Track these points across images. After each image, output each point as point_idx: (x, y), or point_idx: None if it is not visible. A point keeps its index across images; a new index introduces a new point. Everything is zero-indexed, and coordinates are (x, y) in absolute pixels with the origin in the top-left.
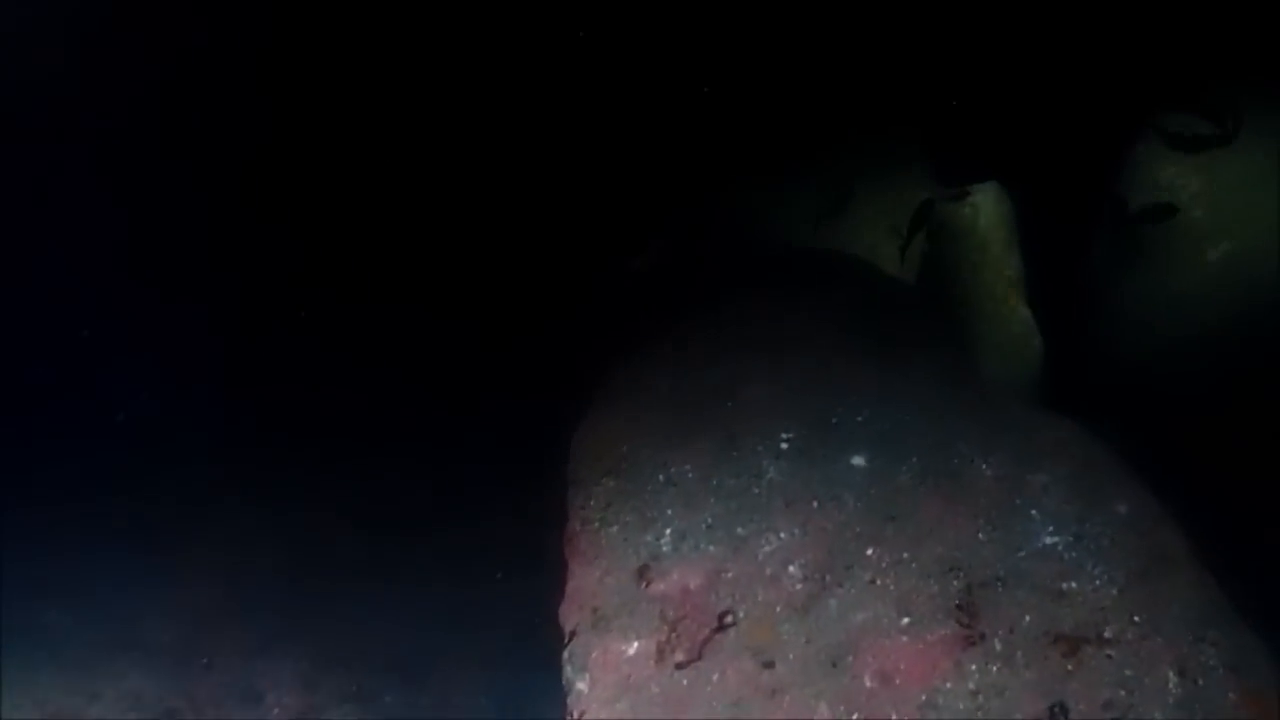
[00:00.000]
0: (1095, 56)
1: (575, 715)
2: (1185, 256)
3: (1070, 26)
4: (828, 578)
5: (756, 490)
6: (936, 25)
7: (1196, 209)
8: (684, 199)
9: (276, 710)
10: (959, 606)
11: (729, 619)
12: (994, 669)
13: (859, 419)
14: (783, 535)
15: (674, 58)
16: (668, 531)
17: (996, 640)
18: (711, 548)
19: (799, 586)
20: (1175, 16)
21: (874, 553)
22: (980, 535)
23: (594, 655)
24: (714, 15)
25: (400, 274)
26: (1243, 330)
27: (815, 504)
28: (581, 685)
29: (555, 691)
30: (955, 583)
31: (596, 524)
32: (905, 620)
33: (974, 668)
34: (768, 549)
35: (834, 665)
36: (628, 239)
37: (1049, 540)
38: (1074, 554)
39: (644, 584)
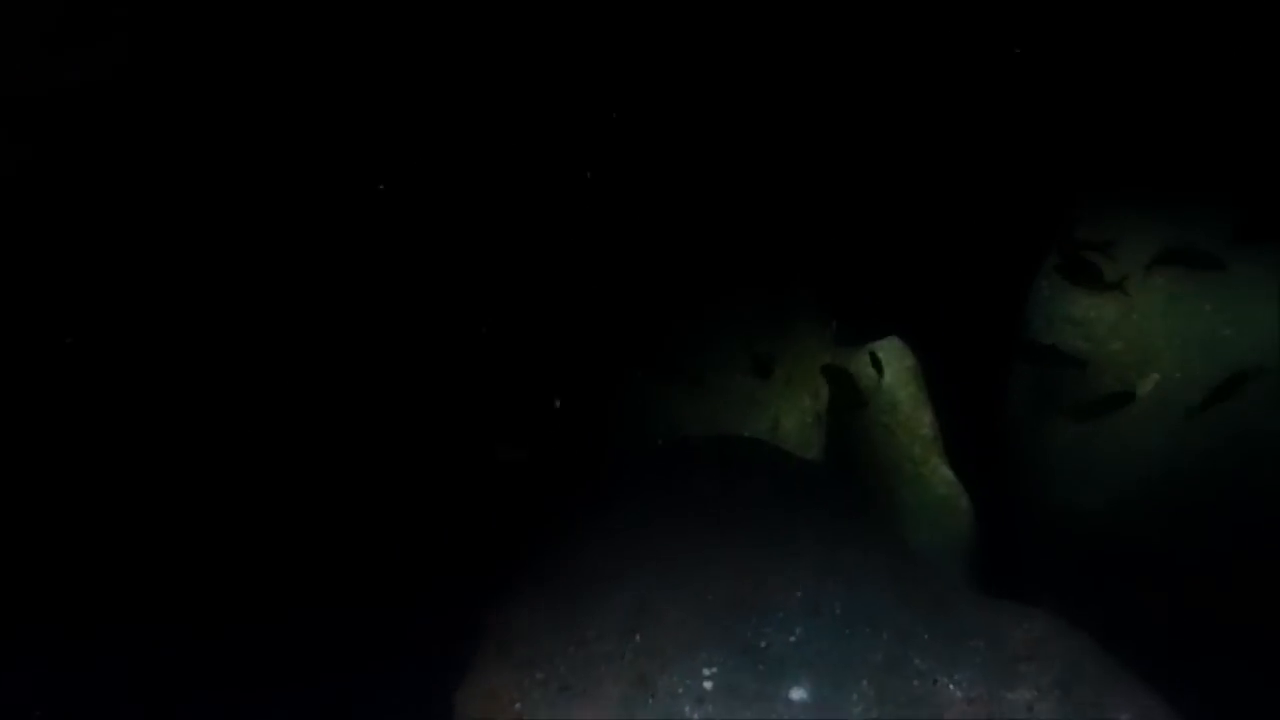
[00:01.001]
0: (986, 197)
1: None
2: (1112, 395)
3: (957, 170)
4: None
5: None
6: (821, 177)
7: (1115, 341)
8: (565, 385)
9: None
10: None
11: None
12: None
13: (791, 639)
14: None
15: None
16: None
17: None
18: None
19: None
20: (1061, 149)
21: None
22: None
23: None
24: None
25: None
26: (1196, 471)
27: None
28: None
29: None
30: None
31: None
32: None
33: None
34: None
35: None
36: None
37: None
38: None
39: None
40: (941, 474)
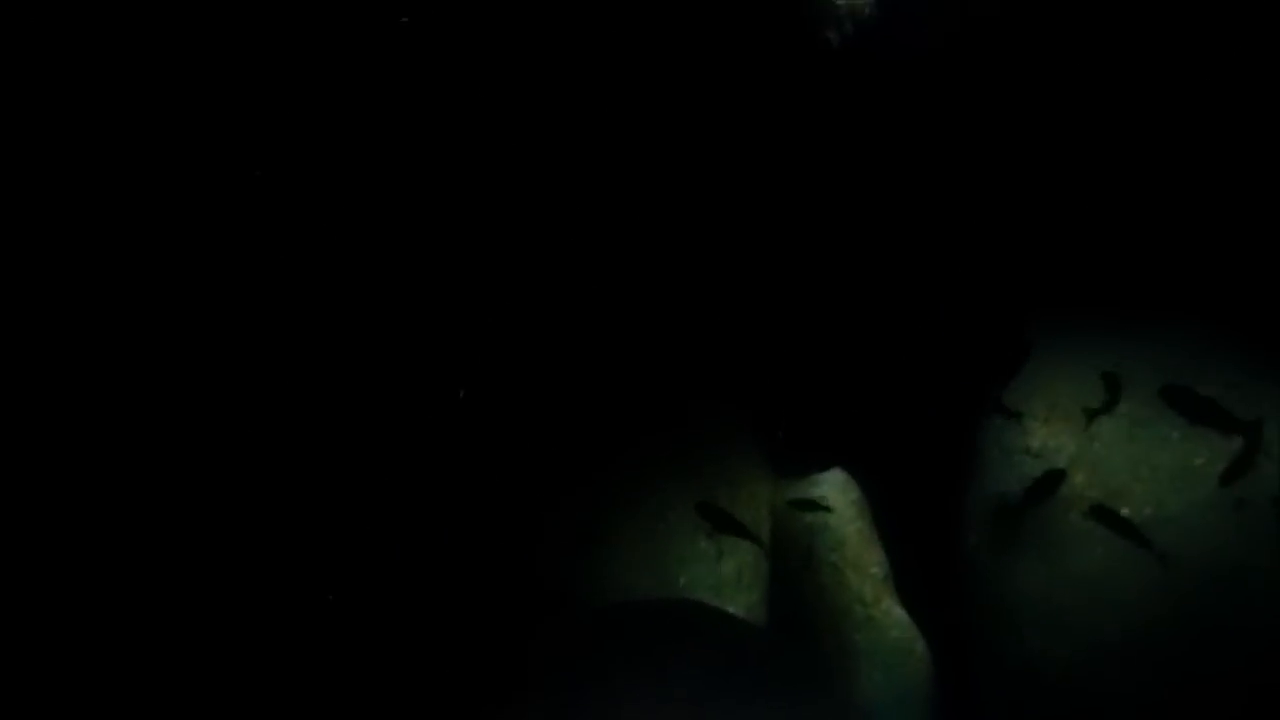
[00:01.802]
0: (936, 316)
1: None
2: (1080, 532)
3: (903, 289)
4: None
5: None
6: (758, 301)
7: (1077, 474)
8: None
9: None
10: None
11: None
12: None
13: None
14: None
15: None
16: None
17: None
18: None
19: None
20: (1014, 267)
21: None
22: None
23: None
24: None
25: None
26: (1178, 617)
27: None
28: None
29: None
30: None
31: None
32: None
33: None
34: None
35: None
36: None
37: None
38: None
39: None
40: (895, 616)
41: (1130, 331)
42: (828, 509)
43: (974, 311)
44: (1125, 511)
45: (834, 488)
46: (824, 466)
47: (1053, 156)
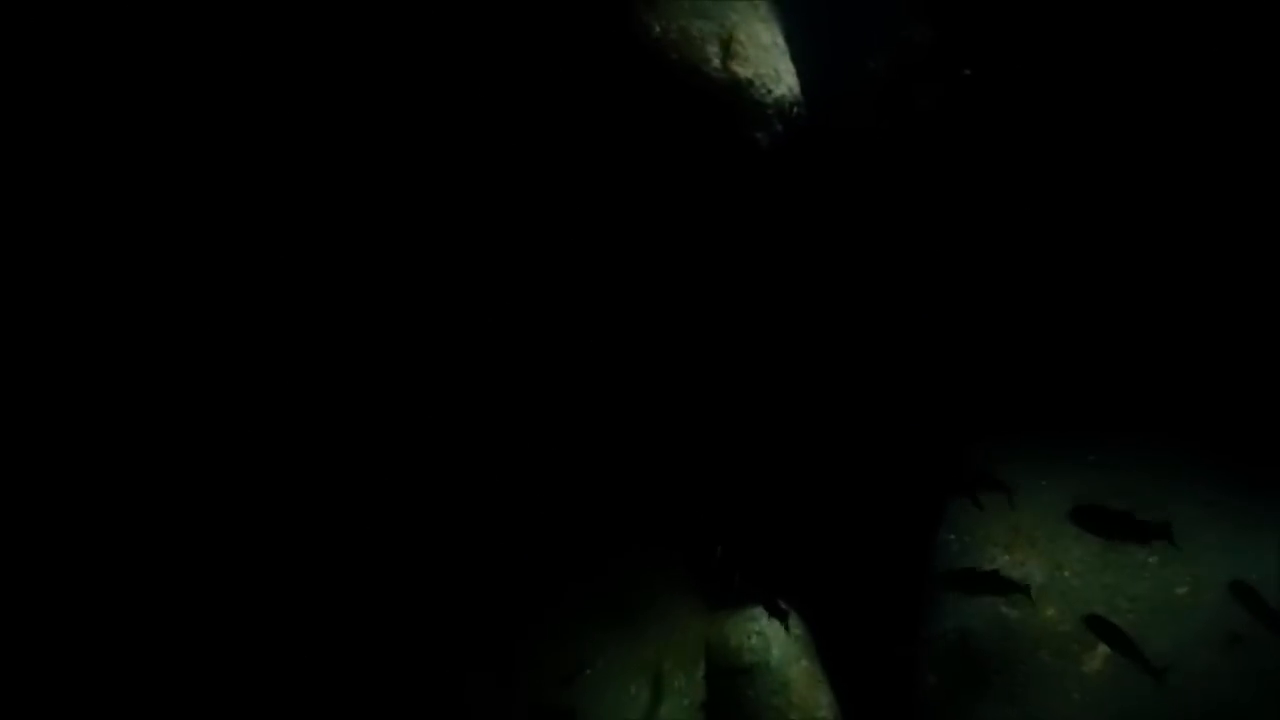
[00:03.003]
0: (882, 440)
1: None
2: (1054, 672)
3: (846, 412)
4: None
5: None
6: (689, 426)
7: (1048, 606)
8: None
9: None
10: None
11: None
12: None
13: None
14: None
15: None
16: None
17: None
18: None
19: None
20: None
21: None
22: None
23: None
24: None
25: None
26: None
27: None
28: None
29: None
30: None
31: None
32: None
33: None
34: None
35: None
36: None
37: None
38: None
39: None
40: None
41: (1096, 453)
42: (746, 671)
43: (927, 438)
44: (1103, 648)
45: (776, 624)
46: (763, 598)
47: (1004, 271)
